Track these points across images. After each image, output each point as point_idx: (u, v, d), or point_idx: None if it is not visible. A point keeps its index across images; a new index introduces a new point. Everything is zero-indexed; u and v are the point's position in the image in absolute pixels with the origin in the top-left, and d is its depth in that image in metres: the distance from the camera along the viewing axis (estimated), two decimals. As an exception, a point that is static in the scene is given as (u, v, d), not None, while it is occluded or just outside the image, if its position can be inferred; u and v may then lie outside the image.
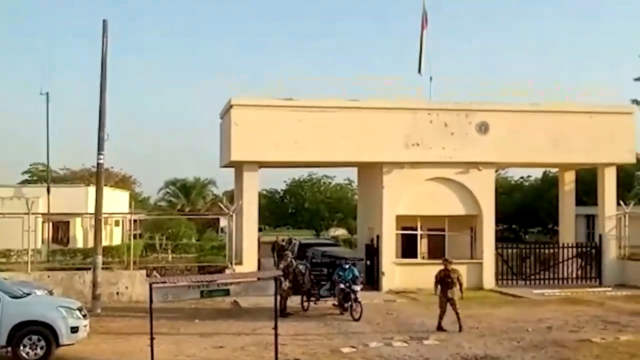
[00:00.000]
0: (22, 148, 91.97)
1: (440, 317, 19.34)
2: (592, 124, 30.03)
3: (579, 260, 31.61)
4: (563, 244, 31.90)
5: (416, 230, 30.06)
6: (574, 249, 31.61)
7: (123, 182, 64.00)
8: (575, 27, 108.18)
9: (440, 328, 19.14)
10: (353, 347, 16.83)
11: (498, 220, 33.26)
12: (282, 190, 62.73)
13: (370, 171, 30.64)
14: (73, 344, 15.74)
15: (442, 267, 19.79)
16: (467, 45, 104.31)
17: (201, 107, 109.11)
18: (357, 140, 28.21)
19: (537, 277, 30.77)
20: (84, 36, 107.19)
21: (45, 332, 15.15)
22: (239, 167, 30.06)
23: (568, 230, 33.63)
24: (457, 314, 19.14)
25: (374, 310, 22.69)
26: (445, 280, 19.36)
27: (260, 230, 30.62)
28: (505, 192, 52.09)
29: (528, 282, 30.37)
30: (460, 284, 19.46)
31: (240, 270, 25.78)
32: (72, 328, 15.49)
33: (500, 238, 34.30)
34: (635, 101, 41.86)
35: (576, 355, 15.81)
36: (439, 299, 19.50)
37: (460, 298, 19.42)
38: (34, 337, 15.11)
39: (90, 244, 35.64)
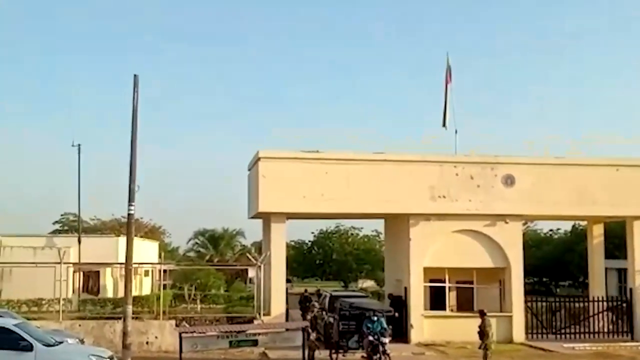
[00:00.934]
0: (53, 198, 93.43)
1: None
2: (619, 176, 29.99)
3: (610, 315, 31.24)
4: (594, 298, 31.61)
5: (444, 282, 30.04)
6: (605, 303, 31.30)
7: (152, 232, 64.52)
8: (599, 81, 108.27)
9: None
10: (381, 399, 16.85)
11: (527, 273, 33.09)
12: (309, 241, 62.97)
13: (397, 223, 30.79)
14: (104, 392, 15.98)
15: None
16: (491, 102, 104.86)
17: (229, 158, 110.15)
18: (384, 192, 28.44)
19: (568, 331, 30.45)
20: (115, 88, 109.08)
21: (77, 380, 15.43)
22: (266, 218, 30.38)
23: (598, 284, 33.32)
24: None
25: (402, 362, 22.66)
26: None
27: (288, 281, 30.78)
28: (535, 245, 51.84)
29: (558, 336, 30.05)
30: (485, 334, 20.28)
31: (268, 321, 25.88)
32: (103, 376, 15.76)
33: (530, 291, 34.20)
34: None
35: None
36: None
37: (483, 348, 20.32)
38: (66, 385, 15.40)
39: (120, 294, 36.15)
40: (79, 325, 25.98)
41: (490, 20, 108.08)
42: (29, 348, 15.52)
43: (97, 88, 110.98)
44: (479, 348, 21.22)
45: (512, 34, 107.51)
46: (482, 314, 21.09)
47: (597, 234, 33.69)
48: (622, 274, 39.17)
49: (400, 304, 28.92)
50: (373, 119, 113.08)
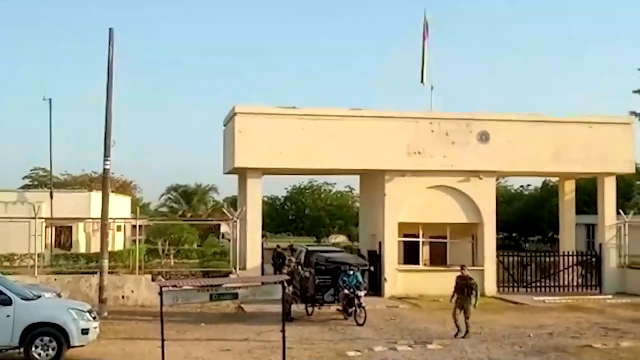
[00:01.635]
0: (22, 154, 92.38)
1: (457, 325, 19.39)
2: (592, 134, 30.37)
3: (580, 269, 31.88)
4: (564, 253, 32.19)
5: (418, 237, 30.36)
6: (575, 258, 31.89)
7: (124, 188, 64.00)
8: (578, 42, 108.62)
9: (457, 334, 19.25)
10: (358, 351, 17.11)
11: (499, 229, 33.54)
12: (283, 197, 62.99)
13: (373, 179, 30.95)
14: (84, 345, 16.03)
15: (459, 274, 19.95)
16: (470, 59, 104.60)
17: (202, 114, 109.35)
18: (360, 149, 28.53)
19: (538, 284, 31.04)
20: (88, 42, 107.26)
21: (56, 333, 15.45)
22: (242, 174, 30.36)
23: (568, 239, 33.89)
24: (468, 319, 19.25)
25: (378, 315, 23.00)
26: (462, 288, 19.46)
27: (262, 237, 30.88)
28: (506, 201, 52.36)
29: (529, 290, 30.64)
30: (477, 292, 19.54)
31: (244, 276, 26.02)
32: (83, 330, 15.78)
33: (501, 246, 34.62)
34: (633, 113, 42.49)
35: (578, 361, 16.09)
36: (455, 306, 19.49)
37: (474, 306, 19.50)
38: (46, 339, 15.42)
39: (93, 249, 36.04)
40: (55, 280, 25.93)
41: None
42: (8, 302, 15.44)
43: (71, 41, 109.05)
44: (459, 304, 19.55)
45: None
46: (463, 269, 20.12)
47: (569, 190, 34.17)
48: (591, 229, 39.90)
49: (374, 258, 29.21)
50: (353, 75, 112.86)
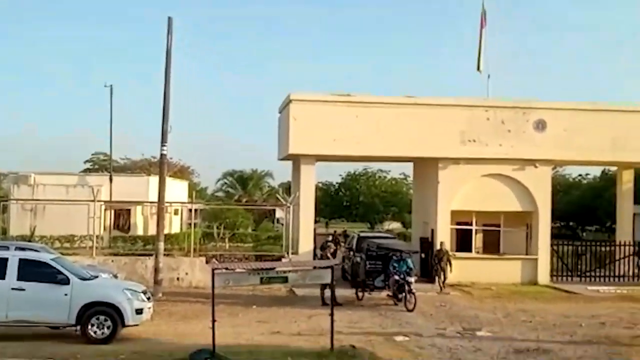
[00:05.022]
0: (85, 138, 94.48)
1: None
2: (651, 123, 29.75)
3: (636, 259, 31.31)
4: (620, 242, 31.64)
5: (471, 225, 30.22)
6: (632, 247, 31.34)
7: (181, 172, 65.02)
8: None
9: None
10: (406, 336, 17.20)
11: (555, 218, 33.19)
12: (337, 183, 63.20)
13: (426, 166, 30.87)
14: (137, 324, 16.48)
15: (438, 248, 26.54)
16: (527, 46, 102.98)
17: (259, 100, 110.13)
18: (414, 136, 28.51)
19: (593, 274, 30.62)
20: (149, 28, 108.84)
21: (111, 312, 15.91)
22: (296, 160, 30.63)
23: (626, 229, 33.27)
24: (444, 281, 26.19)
25: (428, 302, 23.06)
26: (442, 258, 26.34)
27: (315, 222, 31.14)
28: (563, 190, 51.70)
29: (583, 279, 30.24)
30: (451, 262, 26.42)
31: (296, 260, 26.31)
32: (136, 310, 16.23)
33: (557, 235, 34.33)
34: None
35: (629, 351, 15.90)
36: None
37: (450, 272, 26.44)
38: (101, 317, 15.88)
39: (150, 232, 36.77)
40: (112, 261, 26.65)
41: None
42: (66, 281, 15.96)
43: (131, 29, 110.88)
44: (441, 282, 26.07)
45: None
46: (442, 244, 25.93)
47: (626, 179, 33.53)
48: (650, 219, 39.06)
49: (427, 245, 29.22)
50: (408, 63, 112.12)
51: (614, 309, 22.64)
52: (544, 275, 29.20)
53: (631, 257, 31.04)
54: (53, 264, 16.41)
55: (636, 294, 26.78)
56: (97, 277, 17.90)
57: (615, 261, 30.93)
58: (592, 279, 30.33)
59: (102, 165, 60.16)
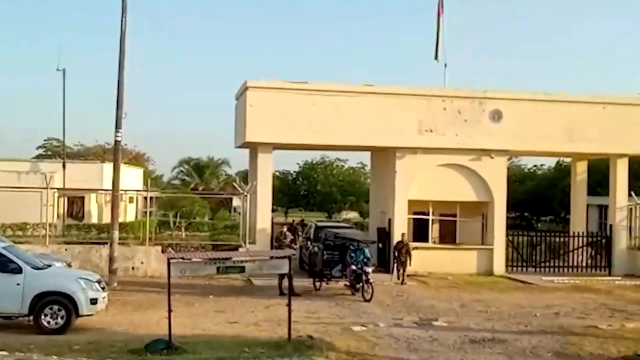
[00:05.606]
0: (36, 123, 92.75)
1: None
2: (606, 114, 30.15)
3: (589, 250, 31.83)
4: (574, 233, 32.13)
5: (428, 215, 30.37)
6: (585, 238, 31.83)
7: (136, 159, 64.28)
8: (597, 20, 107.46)
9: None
10: (364, 326, 17.18)
11: (510, 208, 33.51)
12: (294, 172, 63.01)
13: (384, 156, 30.90)
14: (92, 314, 16.25)
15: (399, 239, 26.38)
16: (485, 35, 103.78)
17: (216, 87, 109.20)
18: (371, 125, 28.46)
19: (547, 264, 31.04)
20: (104, 12, 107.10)
21: (65, 302, 15.64)
22: (253, 148, 30.39)
23: (579, 220, 33.82)
24: (404, 272, 25.96)
25: (385, 292, 23.10)
26: (401, 250, 25.97)
27: (273, 211, 30.97)
28: (518, 180, 52.23)
29: (538, 270, 30.64)
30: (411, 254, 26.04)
31: (253, 250, 26.17)
32: (91, 299, 15.98)
33: (512, 225, 34.63)
34: (648, 93, 42.13)
35: (582, 341, 16.04)
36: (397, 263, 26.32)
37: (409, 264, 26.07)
38: (55, 307, 15.63)
39: (105, 220, 36.30)
40: (65, 250, 26.23)
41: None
42: (18, 270, 15.64)
43: (85, 11, 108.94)
44: (401, 273, 25.92)
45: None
46: (403, 236, 26.10)
47: (580, 170, 34.04)
48: (603, 210, 39.69)
49: (384, 235, 29.29)
50: (364, 51, 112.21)
51: (568, 299, 22.95)
52: (499, 265, 29.50)
53: (584, 248, 31.56)
54: (5, 252, 16.05)
55: (589, 284, 27.22)
56: (50, 266, 17.57)
57: (569, 252, 31.44)
58: (547, 269, 30.78)
59: (55, 151, 59.17)
